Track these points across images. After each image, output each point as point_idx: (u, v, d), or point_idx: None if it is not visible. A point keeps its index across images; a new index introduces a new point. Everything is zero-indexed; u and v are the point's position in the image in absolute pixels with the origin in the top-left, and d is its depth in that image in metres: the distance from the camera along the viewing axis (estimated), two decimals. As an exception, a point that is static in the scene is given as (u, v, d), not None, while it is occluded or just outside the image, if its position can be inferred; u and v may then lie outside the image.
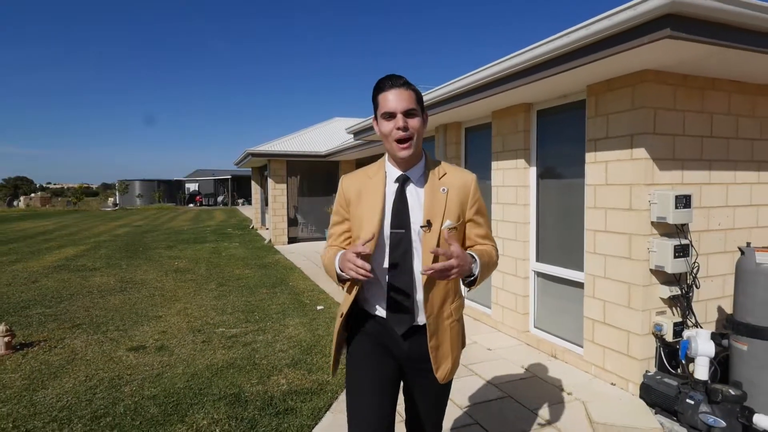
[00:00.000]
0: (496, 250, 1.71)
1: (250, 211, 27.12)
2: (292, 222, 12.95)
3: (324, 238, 12.78)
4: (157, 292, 6.46)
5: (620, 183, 3.30)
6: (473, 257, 1.53)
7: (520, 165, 4.37)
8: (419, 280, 1.58)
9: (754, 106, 3.56)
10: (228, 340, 4.38)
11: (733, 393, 2.58)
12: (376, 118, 1.63)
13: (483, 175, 4.88)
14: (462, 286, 1.69)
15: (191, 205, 38.22)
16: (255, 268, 8.48)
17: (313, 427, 2.80)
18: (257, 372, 3.61)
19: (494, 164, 4.74)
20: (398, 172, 1.65)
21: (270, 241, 12.41)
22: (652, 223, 3.15)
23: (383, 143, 1.63)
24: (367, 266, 1.41)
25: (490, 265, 1.62)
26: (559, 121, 4.06)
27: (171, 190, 40.69)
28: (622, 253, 3.30)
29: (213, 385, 3.38)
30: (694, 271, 3.18)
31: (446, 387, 1.75)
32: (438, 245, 1.56)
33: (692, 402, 2.70)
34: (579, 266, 3.78)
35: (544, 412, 2.98)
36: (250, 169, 19.69)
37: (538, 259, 4.32)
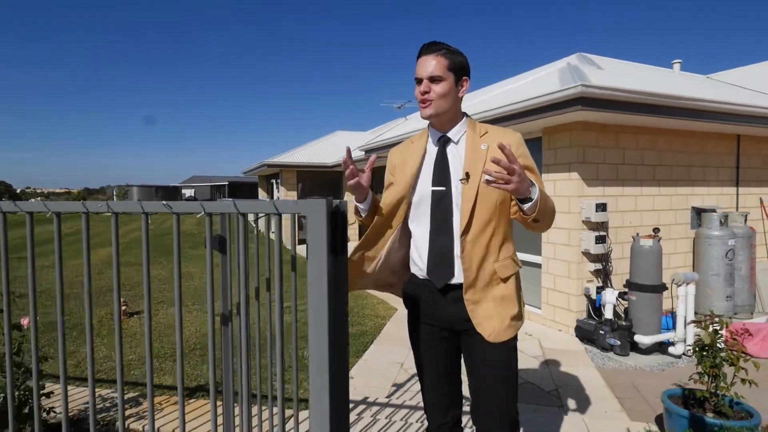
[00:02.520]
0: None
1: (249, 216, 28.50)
2: (299, 225, 14.47)
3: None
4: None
5: (563, 195, 4.94)
6: (533, 182, 1.49)
7: (498, 180, 6.00)
8: (458, 236, 1.61)
9: (654, 143, 5.24)
10: (287, 308, 5.93)
11: (624, 324, 4.22)
12: None
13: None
14: (506, 248, 1.67)
15: (188, 210, 39.29)
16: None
17: (365, 351, 4.36)
18: (316, 325, 5.17)
19: (480, 179, 6.38)
20: (439, 134, 1.70)
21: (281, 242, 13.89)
22: (583, 221, 4.79)
23: None
24: (348, 161, 1.51)
25: (547, 201, 1.55)
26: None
27: (168, 196, 41.85)
28: (564, 242, 4.94)
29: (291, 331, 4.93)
30: (609, 253, 4.84)
31: (505, 355, 1.64)
32: (476, 198, 1.58)
33: (602, 332, 4.33)
34: (538, 252, 5.41)
35: (512, 344, 4.59)
36: (254, 176, 21.19)
37: (511, 249, 5.95)
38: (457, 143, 1.68)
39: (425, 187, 1.67)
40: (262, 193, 19.21)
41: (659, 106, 4.46)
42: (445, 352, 1.73)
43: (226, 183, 39.41)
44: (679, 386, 2.81)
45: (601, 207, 4.71)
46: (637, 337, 4.17)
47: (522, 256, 5.72)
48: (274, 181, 17.58)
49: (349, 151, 1.51)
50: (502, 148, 1.37)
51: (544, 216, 1.53)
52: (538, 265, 5.42)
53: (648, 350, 4.25)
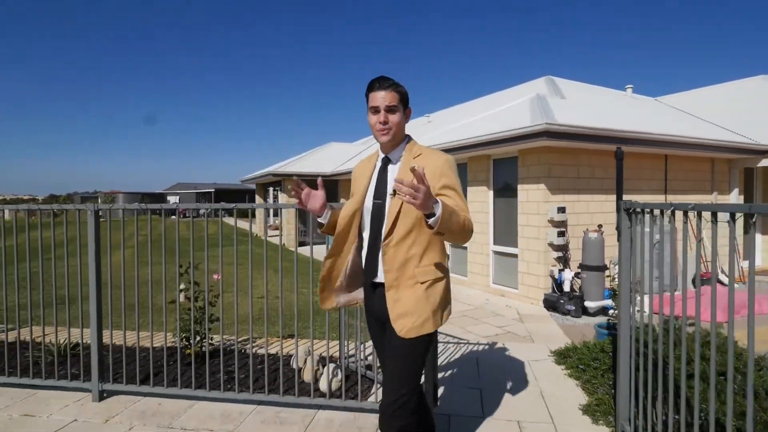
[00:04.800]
0: (467, 219, 1.80)
1: (239, 223, 29.55)
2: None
3: (324, 243, 15.71)
4: (233, 275, 9.27)
5: (534, 201, 6.54)
6: (436, 200, 1.65)
7: (484, 189, 7.58)
8: (386, 243, 1.85)
9: (602, 161, 6.89)
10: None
11: (578, 294, 5.82)
12: (368, 110, 1.95)
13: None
14: (431, 252, 1.89)
15: (173, 216, 40.01)
16: (289, 261, 11.36)
17: (388, 318, 5.84)
18: (345, 302, 6.62)
19: (469, 189, 7.94)
20: (381, 156, 2.01)
21: (284, 244, 15.24)
22: (548, 221, 6.39)
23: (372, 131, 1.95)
24: (298, 186, 1.94)
25: (453, 216, 1.69)
26: (505, 166, 7.30)
27: (154, 203, 42.28)
28: (535, 236, 6.53)
29: (326, 306, 6.37)
30: (568, 244, 6.45)
31: (409, 344, 1.83)
32: (399, 211, 1.84)
33: (562, 301, 5.92)
34: (515, 245, 6.98)
35: (495, 313, 6.13)
36: (248, 184, 22.40)
37: (494, 243, 7.53)
38: (395, 163, 1.98)
39: (369, 200, 1.97)
40: (259, 200, 20.44)
41: (604, 137, 6.11)
42: (383, 339, 1.99)
43: (212, 190, 40.20)
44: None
45: (562, 210, 6.32)
46: (587, 303, 5.78)
47: (503, 249, 7.31)
48: (271, 188, 18.90)
49: (297, 182, 1.97)
50: (413, 170, 1.54)
51: (449, 230, 1.68)
52: (515, 255, 7.00)
53: (595, 313, 5.85)
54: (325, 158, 16.81)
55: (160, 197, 44.08)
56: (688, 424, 2.28)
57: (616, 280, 5.48)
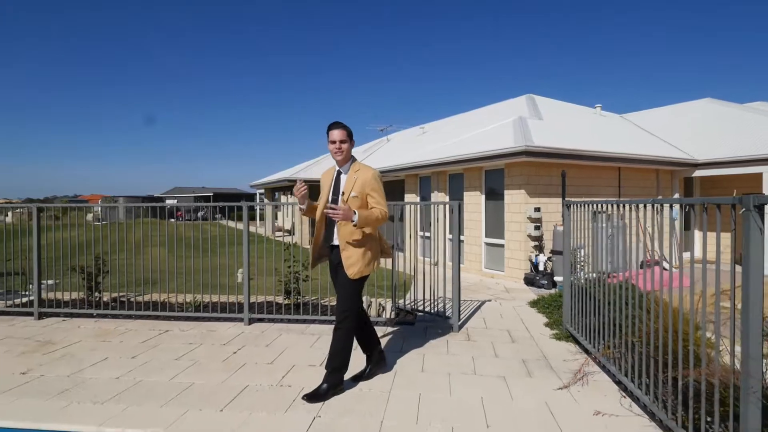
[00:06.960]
0: (381, 211, 3.11)
1: (239, 225, 31.16)
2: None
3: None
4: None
5: (516, 202, 8.55)
6: (354, 211, 2.98)
7: (477, 194, 9.59)
8: (337, 224, 3.15)
9: (570, 172, 8.93)
10: (344, 276, 9.22)
11: (549, 272, 7.83)
12: (328, 142, 3.24)
13: (459, 199, 10.05)
14: (363, 228, 3.12)
15: (172, 219, 41.27)
16: (306, 255, 13.19)
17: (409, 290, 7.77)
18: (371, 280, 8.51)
19: (465, 193, 9.94)
20: (337, 169, 3.28)
21: (295, 243, 17.04)
22: (527, 218, 8.40)
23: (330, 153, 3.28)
24: (300, 187, 3.12)
25: (369, 217, 3.03)
26: (494, 176, 9.31)
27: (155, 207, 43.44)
28: (518, 230, 8.54)
29: (359, 283, 8.27)
30: (542, 235, 8.48)
31: (350, 283, 3.13)
32: (346, 203, 3.07)
33: (538, 278, 7.92)
34: (502, 237, 8.98)
35: (488, 288, 8.10)
36: (252, 189, 24.11)
37: (486, 236, 9.53)
38: (345, 174, 3.25)
39: (330, 197, 3.25)
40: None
41: (570, 155, 8.16)
42: (337, 278, 3.29)
43: (211, 194, 41.66)
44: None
45: (537, 209, 8.34)
46: (556, 278, 7.80)
47: (493, 240, 9.32)
48: (278, 193, 20.67)
49: (302, 184, 3.14)
50: (328, 209, 2.99)
51: (367, 225, 3.09)
52: (502, 245, 9.00)
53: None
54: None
55: (159, 201, 45.34)
56: (601, 324, 4.26)
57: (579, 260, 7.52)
